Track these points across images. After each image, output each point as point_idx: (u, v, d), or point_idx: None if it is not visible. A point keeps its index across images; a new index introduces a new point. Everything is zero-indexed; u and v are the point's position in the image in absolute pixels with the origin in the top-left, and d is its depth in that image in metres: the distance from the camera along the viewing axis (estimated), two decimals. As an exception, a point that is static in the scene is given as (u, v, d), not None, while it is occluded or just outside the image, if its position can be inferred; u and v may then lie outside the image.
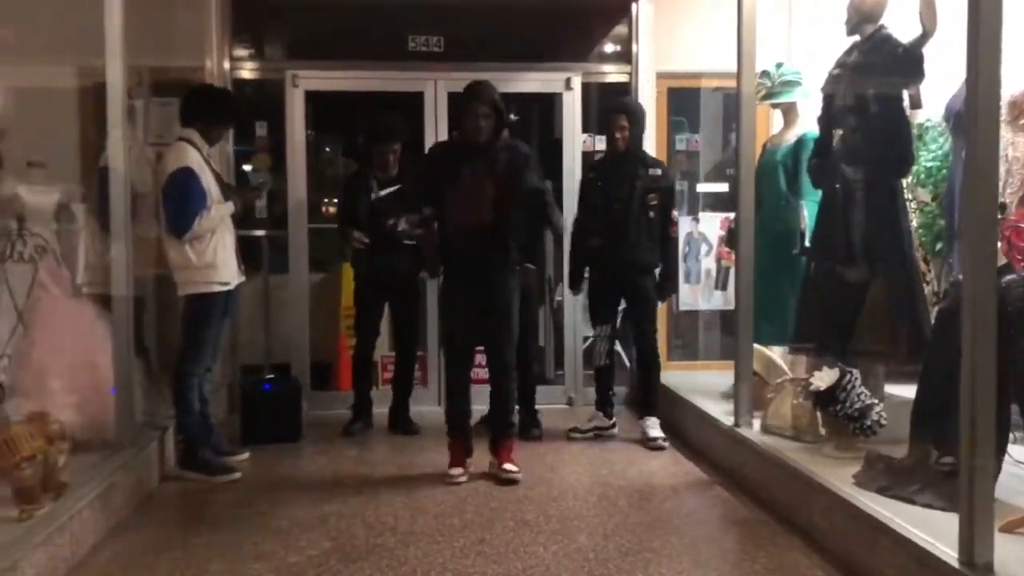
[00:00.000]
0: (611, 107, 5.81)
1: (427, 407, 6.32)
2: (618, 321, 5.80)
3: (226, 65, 6.55)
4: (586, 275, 5.78)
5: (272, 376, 6.09)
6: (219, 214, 4.83)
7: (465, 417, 4.96)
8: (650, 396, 5.70)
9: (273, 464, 5.23)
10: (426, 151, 6.38)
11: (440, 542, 3.94)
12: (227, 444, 5.29)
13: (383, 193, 5.82)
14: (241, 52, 6.73)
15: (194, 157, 4.80)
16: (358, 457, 5.48)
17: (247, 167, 6.82)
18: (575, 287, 5.90)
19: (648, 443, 5.50)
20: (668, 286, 5.75)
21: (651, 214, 5.48)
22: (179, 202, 4.72)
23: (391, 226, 5.69)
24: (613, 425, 5.78)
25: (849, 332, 4.64)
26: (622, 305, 5.77)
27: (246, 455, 5.28)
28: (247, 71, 6.74)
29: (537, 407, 5.88)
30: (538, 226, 5.71)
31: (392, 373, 6.18)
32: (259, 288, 6.47)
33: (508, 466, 4.82)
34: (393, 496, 4.60)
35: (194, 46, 6.38)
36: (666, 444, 5.50)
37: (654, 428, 5.57)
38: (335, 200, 6.62)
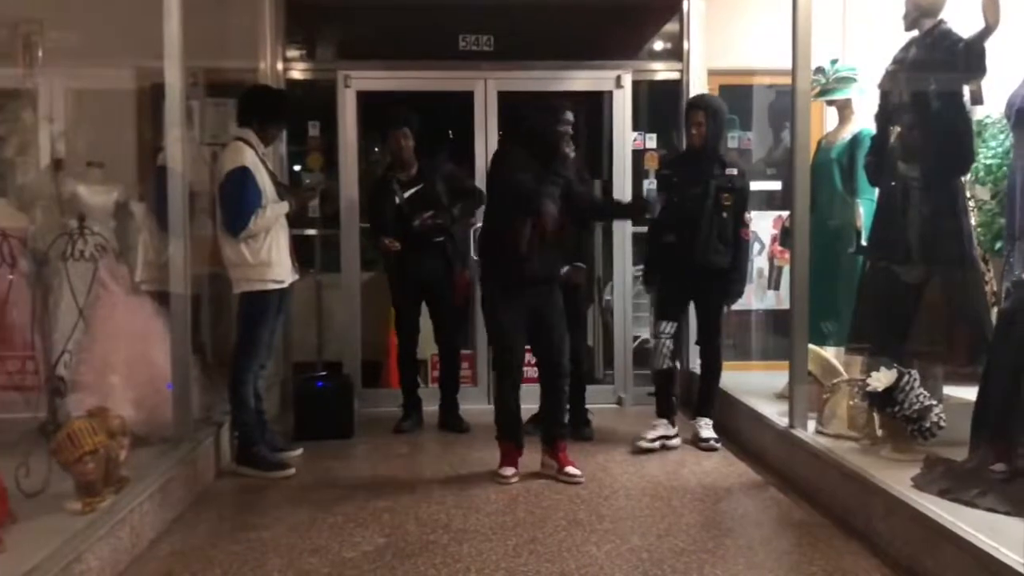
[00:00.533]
0: (689, 102, 5.69)
1: (476, 405, 6.33)
2: (683, 322, 5.65)
3: (279, 66, 6.62)
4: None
5: (324, 373, 6.14)
6: (274, 213, 4.88)
7: (516, 419, 4.97)
8: (708, 398, 5.61)
9: (326, 460, 5.27)
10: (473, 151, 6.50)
11: (493, 540, 3.95)
12: (281, 440, 5.34)
13: (407, 194, 5.85)
14: (294, 53, 6.80)
15: (250, 156, 4.87)
16: (409, 454, 5.52)
17: (297, 167, 6.89)
18: (650, 284, 5.71)
19: (700, 443, 5.44)
20: (735, 290, 5.49)
21: (724, 214, 5.30)
22: (235, 200, 4.78)
23: (417, 226, 5.75)
24: (677, 434, 5.51)
25: (906, 332, 4.57)
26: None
27: (299, 451, 5.33)
28: (300, 72, 6.80)
29: (587, 406, 5.86)
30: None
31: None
32: (311, 287, 6.54)
33: (570, 469, 4.83)
34: (445, 493, 4.62)
35: (248, 48, 6.46)
36: (718, 445, 5.44)
37: (707, 429, 5.51)
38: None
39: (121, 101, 6.00)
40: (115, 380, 4.53)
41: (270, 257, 4.87)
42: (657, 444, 5.38)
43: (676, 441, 5.48)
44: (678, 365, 5.80)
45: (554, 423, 4.98)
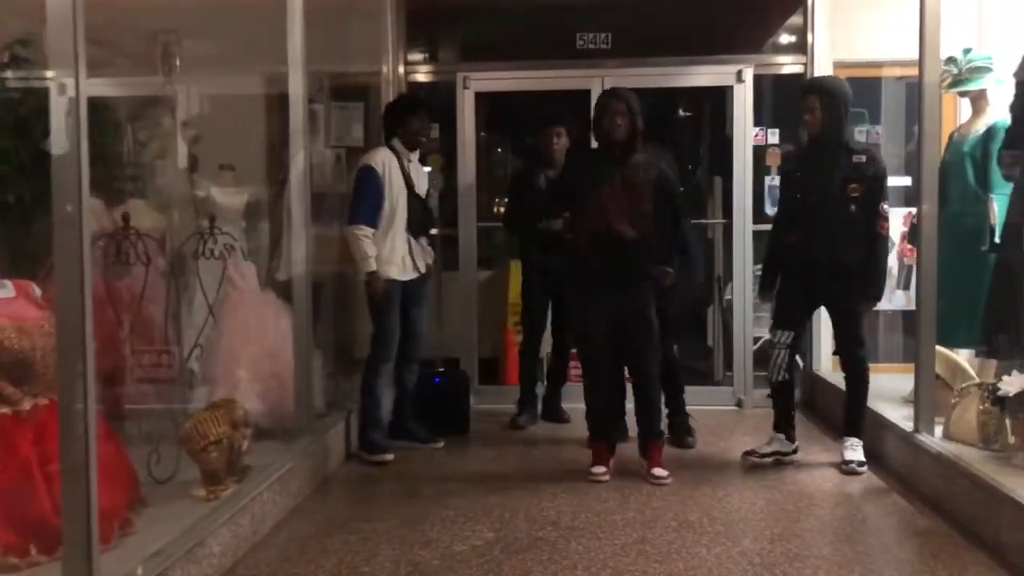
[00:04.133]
0: (801, 86, 5.29)
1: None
2: (803, 330, 5.22)
3: (401, 70, 6.79)
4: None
5: (442, 370, 6.25)
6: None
7: (606, 420, 5.00)
8: (852, 416, 5.03)
9: (441, 455, 5.38)
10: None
11: (601, 538, 3.94)
12: (423, 432, 5.53)
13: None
14: (415, 57, 6.95)
15: (381, 158, 5.19)
16: (523, 451, 5.54)
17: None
18: (765, 293, 5.23)
19: (842, 467, 4.91)
20: (871, 291, 4.88)
21: (852, 207, 4.76)
22: (355, 195, 5.15)
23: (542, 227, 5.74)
24: (795, 450, 5.08)
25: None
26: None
27: (441, 444, 5.51)
28: (421, 75, 6.95)
29: (688, 410, 5.60)
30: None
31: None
32: (430, 285, 6.65)
33: (656, 471, 4.78)
34: (556, 491, 4.63)
35: (371, 52, 6.64)
36: (863, 470, 4.86)
37: (851, 450, 4.95)
38: (506, 200, 6.70)
39: (251, 106, 6.25)
40: (241, 373, 4.74)
41: (381, 254, 5.12)
42: (770, 460, 5.04)
43: (794, 458, 5.08)
44: (796, 377, 5.35)
45: (645, 430, 4.95)
